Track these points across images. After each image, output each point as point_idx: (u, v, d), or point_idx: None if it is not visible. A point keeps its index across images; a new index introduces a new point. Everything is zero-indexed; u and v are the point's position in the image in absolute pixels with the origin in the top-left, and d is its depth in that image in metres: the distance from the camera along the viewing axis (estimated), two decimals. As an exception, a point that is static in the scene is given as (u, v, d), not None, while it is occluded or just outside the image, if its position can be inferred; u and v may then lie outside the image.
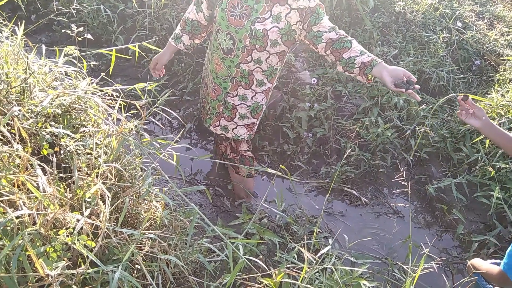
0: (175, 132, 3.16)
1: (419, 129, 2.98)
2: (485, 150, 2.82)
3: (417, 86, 1.85)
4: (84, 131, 1.59)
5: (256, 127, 2.49)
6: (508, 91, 3.17)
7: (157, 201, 1.64)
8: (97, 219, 1.27)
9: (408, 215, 2.84)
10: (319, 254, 1.67)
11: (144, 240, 1.44)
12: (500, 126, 2.85)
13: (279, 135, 3.19)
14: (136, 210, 1.53)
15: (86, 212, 1.20)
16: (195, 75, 3.39)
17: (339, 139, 3.10)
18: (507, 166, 2.70)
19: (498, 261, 1.88)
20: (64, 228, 1.19)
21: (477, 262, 1.88)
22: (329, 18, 3.53)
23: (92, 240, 1.22)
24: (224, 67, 2.20)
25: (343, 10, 3.64)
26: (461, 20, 3.93)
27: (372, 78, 1.92)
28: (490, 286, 1.78)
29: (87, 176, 1.45)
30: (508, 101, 3.02)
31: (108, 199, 1.28)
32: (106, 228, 1.29)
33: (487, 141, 2.80)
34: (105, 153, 1.65)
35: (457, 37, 3.72)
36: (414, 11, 3.83)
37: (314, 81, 3.23)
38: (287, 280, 1.65)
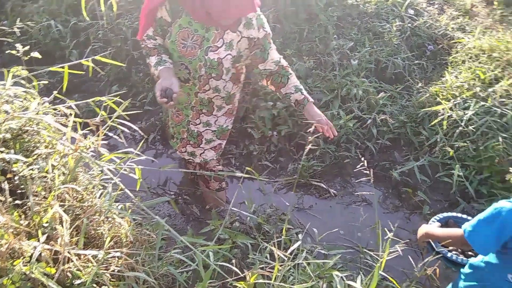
0: (139, 145, 3.12)
1: (379, 117, 3.06)
2: (443, 132, 2.92)
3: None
4: (37, 153, 1.55)
5: (223, 145, 2.45)
6: (461, 72, 3.28)
7: (121, 217, 1.61)
8: (57, 244, 1.24)
9: (375, 201, 2.91)
10: (289, 251, 1.69)
11: (109, 259, 1.42)
12: (455, 107, 2.96)
13: (244, 137, 3.20)
14: (99, 229, 1.51)
15: (43, 238, 1.17)
16: (154, 85, 3.35)
17: (304, 134, 3.13)
18: (465, 144, 2.80)
19: (438, 217, 1.89)
20: (22, 257, 1.16)
21: (428, 229, 1.80)
22: (284, 15, 3.58)
23: (53, 267, 1.19)
24: (184, 93, 2.15)
25: (297, 7, 3.68)
26: (413, 8, 4.05)
27: None
28: (447, 251, 1.77)
29: (44, 200, 1.41)
30: (461, 82, 3.13)
31: (66, 222, 1.26)
32: (68, 252, 1.27)
33: (444, 122, 2.89)
34: (63, 173, 1.61)
35: (409, 25, 3.82)
36: (367, 2, 3.92)
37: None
38: (261, 280, 1.67)
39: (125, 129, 2.92)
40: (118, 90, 3.29)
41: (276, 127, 3.19)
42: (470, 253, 1.82)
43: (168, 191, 2.78)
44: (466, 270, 1.65)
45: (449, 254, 1.77)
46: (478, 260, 1.60)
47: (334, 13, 3.69)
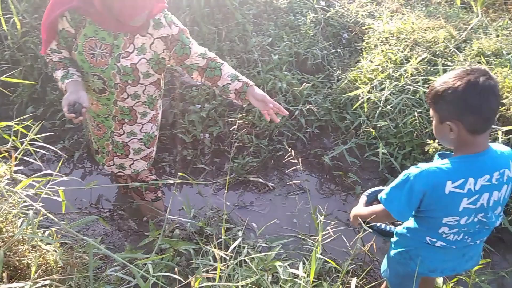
0: (65, 165, 2.97)
1: (305, 108, 3.15)
2: (365, 114, 3.08)
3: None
4: None
5: (154, 153, 2.37)
6: (374, 56, 3.47)
7: (48, 244, 1.53)
8: (-26, 283, 1.15)
9: (312, 188, 3.01)
10: (230, 249, 1.69)
11: (39, 288, 1.34)
12: (373, 89, 3.13)
13: (176, 143, 3.15)
14: (24, 259, 1.42)
15: (-44, 279, 1.08)
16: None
17: (236, 133, 3.16)
18: (386, 123, 2.97)
19: (367, 193, 1.91)
20: None
21: (355, 211, 1.82)
22: (201, 17, 3.58)
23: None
24: (102, 105, 2.06)
25: (212, 8, 3.69)
26: (324, -1, 4.22)
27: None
28: (385, 225, 1.83)
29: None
30: (376, 66, 3.32)
31: (-18, 258, 1.17)
32: (-10, 289, 1.18)
33: (365, 105, 3.05)
34: (-23, 207, 1.50)
35: (323, 16, 3.99)
36: (280, -3, 4.02)
37: (199, 82, 3.24)
38: (206, 284, 1.66)
39: (46, 152, 2.78)
40: (34, 112, 3.10)
41: (207, 129, 3.18)
42: (398, 222, 1.93)
43: (102, 209, 2.67)
44: (394, 238, 1.76)
45: (378, 224, 1.85)
46: (401, 227, 1.71)
47: (250, 11, 3.75)
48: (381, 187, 2.06)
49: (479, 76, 1.36)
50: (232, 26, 3.68)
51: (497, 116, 2.78)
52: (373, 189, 2.03)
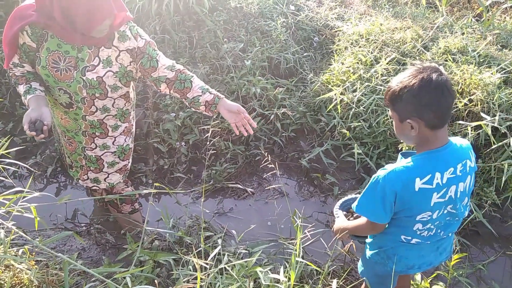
0: (38, 180, 2.89)
1: (280, 112, 3.17)
2: (339, 115, 3.12)
3: None
4: None
5: (129, 165, 2.33)
6: (345, 58, 3.53)
7: (20, 263, 1.48)
8: None
9: (291, 192, 3.02)
10: (210, 257, 1.68)
11: (13, 310, 1.30)
12: (345, 91, 3.18)
13: (152, 152, 3.12)
14: (-4, 280, 1.37)
15: None
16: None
17: (211, 139, 3.14)
18: (360, 124, 3.02)
19: (338, 206, 1.89)
20: None
21: (341, 225, 1.77)
22: (171, 25, 3.56)
23: None
24: (71, 120, 2.02)
25: (183, 15, 3.68)
26: (293, 3, 4.26)
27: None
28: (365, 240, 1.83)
29: None
30: (347, 67, 3.37)
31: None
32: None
33: (338, 106, 3.09)
34: None
35: (293, 20, 4.02)
36: (250, 3, 4.04)
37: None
38: (187, 293, 1.64)
39: (16, 169, 2.71)
40: (3, 127, 3.02)
41: (183, 137, 3.16)
42: None
43: (78, 223, 2.62)
44: (368, 240, 1.78)
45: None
46: None
47: (220, 17, 3.75)
48: (349, 197, 2.00)
49: (431, 73, 1.41)
50: (204, 33, 3.68)
51: (466, 112, 2.87)
52: (341, 201, 1.98)
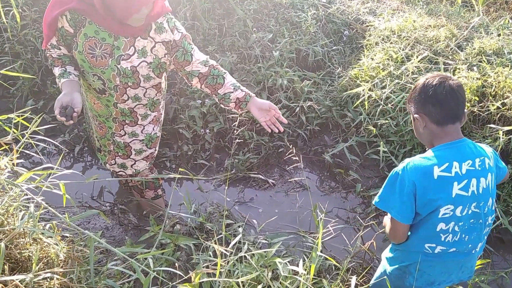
0: (65, 158, 2.96)
1: (306, 105, 3.15)
2: (366, 112, 3.07)
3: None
4: None
5: (155, 153, 2.36)
6: (375, 54, 3.47)
7: (49, 237, 1.52)
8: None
9: (313, 186, 3.01)
10: (231, 245, 1.69)
11: (40, 281, 1.34)
12: (374, 87, 3.13)
13: (177, 138, 3.15)
14: (25, 252, 1.41)
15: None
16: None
17: (237, 129, 3.15)
18: (387, 121, 2.97)
19: None
20: None
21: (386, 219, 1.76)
22: (202, 12, 3.56)
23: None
24: (103, 106, 2.05)
25: (213, 3, 3.68)
26: (325, -4, 4.20)
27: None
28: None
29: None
30: (377, 63, 3.31)
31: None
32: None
33: (366, 102, 3.05)
34: (-21, 200, 1.49)
35: (324, 12, 3.97)
36: (281, -7, 4.00)
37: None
38: (206, 279, 1.66)
39: (46, 145, 2.78)
40: (34, 105, 3.09)
41: (208, 125, 3.17)
42: None
43: (103, 202, 2.67)
44: (388, 254, 1.75)
45: None
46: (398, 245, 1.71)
47: (251, 6, 3.73)
48: None
49: (436, 77, 1.55)
50: (233, 22, 3.67)
51: (498, 116, 2.79)
52: None
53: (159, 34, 1.88)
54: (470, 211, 1.52)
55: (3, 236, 1.43)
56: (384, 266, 1.79)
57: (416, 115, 1.57)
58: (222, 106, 2.10)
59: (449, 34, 3.46)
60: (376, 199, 1.60)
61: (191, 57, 1.96)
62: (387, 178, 1.57)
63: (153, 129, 2.22)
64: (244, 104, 2.01)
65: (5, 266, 1.31)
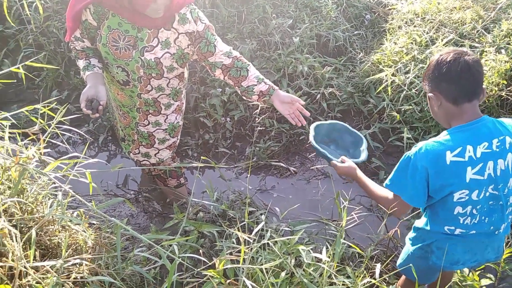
0: (90, 148, 3.01)
1: (327, 91, 3.11)
2: (389, 97, 3.02)
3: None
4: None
5: (178, 141, 2.38)
6: (398, 38, 3.39)
7: (76, 224, 1.56)
8: (9, 260, 1.18)
9: (334, 173, 2.98)
10: (254, 232, 1.70)
11: (70, 267, 1.37)
12: (397, 72, 3.06)
13: (198, 126, 3.16)
14: (54, 239, 1.45)
15: (-8, 257, 1.11)
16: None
17: (257, 117, 3.14)
18: (411, 107, 2.91)
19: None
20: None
21: (352, 173, 1.79)
22: (221, 0, 3.54)
23: (9, 283, 1.13)
24: (126, 96, 2.07)
25: (233, -10, 3.64)
26: (346, -20, 4.11)
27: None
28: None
29: (-10, 218, 1.33)
30: (400, 47, 3.24)
31: (16, 236, 1.19)
32: (24, 266, 1.21)
33: (389, 88, 2.99)
34: (8, 187, 1.53)
35: (344, -4, 3.89)
36: (301, -22, 3.93)
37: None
38: (230, 266, 1.67)
39: (71, 135, 2.83)
40: (59, 95, 3.15)
41: (229, 113, 3.17)
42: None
43: (128, 190, 2.72)
44: (411, 234, 1.73)
45: (323, 151, 1.87)
46: (420, 222, 1.69)
47: (271, -8, 3.68)
48: (321, 123, 2.02)
49: (450, 53, 1.47)
50: (252, 8, 3.63)
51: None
52: (313, 128, 1.96)
53: (182, 25, 1.87)
54: (487, 194, 1.49)
55: (33, 223, 1.47)
56: (407, 247, 1.78)
57: (430, 94, 1.51)
58: (244, 98, 2.09)
59: (476, 16, 3.35)
60: (387, 181, 1.59)
61: (214, 48, 1.95)
62: (399, 161, 1.54)
63: (176, 118, 2.23)
64: (268, 97, 2.00)
65: (36, 252, 1.34)
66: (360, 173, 1.76)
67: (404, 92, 2.93)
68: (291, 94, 3.07)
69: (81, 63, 1.93)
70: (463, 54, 1.46)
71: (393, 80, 3.00)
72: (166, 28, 1.86)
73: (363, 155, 1.90)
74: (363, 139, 1.97)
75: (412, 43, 3.23)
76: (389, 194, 1.61)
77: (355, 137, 2.00)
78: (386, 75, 3.04)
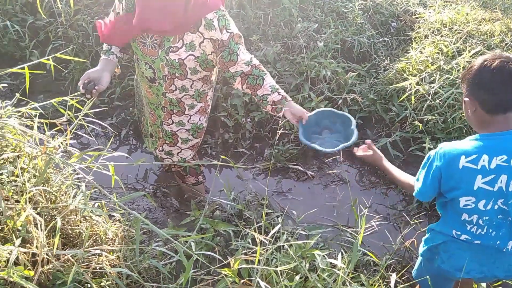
0: (112, 141, 3.06)
1: (349, 97, 3.09)
2: (412, 106, 2.99)
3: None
4: (4, 158, 1.50)
5: (200, 142, 2.40)
6: (424, 47, 3.35)
7: (98, 215, 1.59)
8: (33, 247, 1.21)
9: (352, 180, 2.96)
10: (270, 234, 1.70)
11: (90, 257, 1.40)
12: (422, 81, 3.03)
13: (218, 125, 3.18)
14: (76, 229, 1.48)
15: (18, 242, 1.14)
16: (121, 79, 3.28)
17: (278, 119, 3.14)
18: (434, 117, 2.87)
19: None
20: (-2, 263, 1.13)
21: (379, 162, 1.93)
22: (248, 1, 3.55)
23: (32, 269, 1.17)
24: (153, 94, 2.11)
25: (260, -8, 3.66)
26: (373, -14, 4.09)
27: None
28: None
29: (16, 204, 1.38)
30: (426, 57, 3.20)
31: (41, 224, 1.23)
32: (46, 254, 1.24)
33: (412, 97, 2.96)
34: (34, 176, 1.57)
35: (371, 3, 3.87)
36: (329, -17, 3.93)
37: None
38: (245, 266, 1.68)
39: (95, 127, 2.88)
40: (84, 88, 3.20)
41: (249, 114, 3.19)
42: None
43: (147, 185, 2.76)
44: (425, 236, 1.73)
45: (313, 145, 1.96)
46: (434, 224, 1.70)
47: (297, -4, 3.69)
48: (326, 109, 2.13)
49: (498, 59, 1.41)
50: (278, 11, 3.64)
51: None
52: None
53: (208, 31, 1.86)
54: (496, 207, 1.47)
55: (56, 212, 1.51)
56: (420, 250, 1.78)
57: (466, 98, 1.49)
58: (261, 107, 2.10)
59: (505, 28, 3.30)
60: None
61: (237, 57, 1.92)
62: (424, 159, 1.60)
63: (199, 119, 2.24)
64: (280, 108, 1.98)
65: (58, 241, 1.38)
66: (385, 161, 1.87)
67: (428, 102, 2.90)
68: (312, 97, 3.09)
69: (104, 46, 2.01)
70: (509, 62, 1.41)
71: (417, 89, 2.97)
72: (192, 31, 1.87)
73: (355, 134, 2.00)
74: (350, 118, 2.04)
75: (438, 53, 3.19)
76: (412, 181, 1.68)
77: (343, 118, 2.06)
78: (410, 84, 3.01)
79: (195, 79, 2.03)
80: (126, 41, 1.97)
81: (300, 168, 3.02)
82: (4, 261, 1.11)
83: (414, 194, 1.64)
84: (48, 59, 1.88)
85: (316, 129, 2.06)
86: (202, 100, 2.18)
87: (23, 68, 1.78)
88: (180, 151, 2.31)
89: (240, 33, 1.93)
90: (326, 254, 1.91)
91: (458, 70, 2.97)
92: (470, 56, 3.03)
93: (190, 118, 2.20)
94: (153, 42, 1.89)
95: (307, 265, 1.81)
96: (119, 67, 2.13)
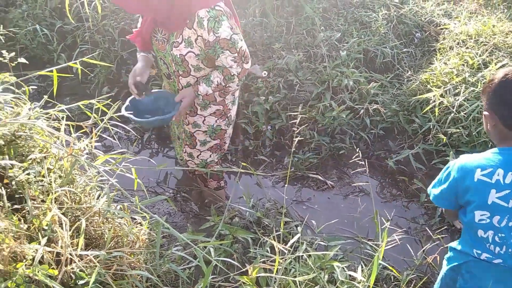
0: (135, 144, 3.11)
1: (371, 107, 3.07)
2: (436, 119, 2.94)
3: None
4: (32, 158, 1.54)
5: (224, 145, 2.37)
6: (449, 58, 3.30)
7: (120, 218, 1.61)
8: (58, 246, 1.23)
9: (373, 191, 2.93)
10: (289, 244, 1.69)
11: (111, 259, 1.41)
12: (446, 93, 2.98)
13: (239, 132, 3.19)
14: (99, 230, 1.50)
15: (43, 241, 1.16)
16: (147, 83, 3.32)
17: (297, 127, 3.13)
18: (458, 130, 2.82)
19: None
20: (24, 260, 1.15)
21: None
22: (271, 9, 3.58)
23: (56, 268, 1.18)
24: (172, 91, 2.15)
25: (283, 0, 3.68)
26: (398, -4, 4.06)
27: None
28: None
29: (42, 204, 1.40)
30: (450, 68, 3.15)
31: (66, 224, 1.25)
32: (70, 253, 1.26)
33: (436, 109, 2.91)
34: (59, 176, 1.60)
35: (395, 13, 3.84)
36: (352, -7, 3.92)
37: (265, 73, 3.24)
38: (263, 274, 1.67)
39: (119, 130, 2.92)
40: (109, 92, 3.26)
41: (270, 121, 3.19)
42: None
43: (167, 189, 2.78)
44: (448, 254, 1.69)
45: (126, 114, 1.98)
46: (455, 242, 1.66)
47: (320, 5, 3.69)
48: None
49: None
50: (301, 20, 3.65)
51: None
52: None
53: (200, 29, 1.85)
54: (510, 224, 1.43)
55: (80, 213, 1.53)
56: (443, 268, 1.74)
57: (486, 113, 1.46)
58: None
59: (534, 41, 3.22)
60: (429, 188, 1.67)
61: (218, 59, 1.92)
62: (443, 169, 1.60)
63: (216, 122, 2.21)
64: None
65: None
66: None
67: (452, 115, 2.85)
68: (334, 107, 3.07)
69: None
70: None
71: (441, 101, 2.92)
72: (188, 27, 1.87)
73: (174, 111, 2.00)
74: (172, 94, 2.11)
75: (463, 64, 3.14)
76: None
77: (170, 96, 2.08)
78: (434, 96, 2.97)
79: (199, 77, 2.03)
80: (147, 39, 2.02)
81: (320, 177, 3.00)
82: (30, 259, 1.13)
83: (430, 198, 1.65)
84: (75, 63, 1.93)
85: (150, 109, 2.09)
86: (218, 103, 2.13)
87: (51, 71, 1.83)
88: (200, 154, 2.33)
89: (229, 38, 1.85)
90: (345, 266, 1.89)
91: (483, 83, 2.91)
92: (497, 69, 2.97)
93: (204, 120, 2.18)
94: (163, 37, 1.94)
95: (326, 276, 1.79)
96: (155, 68, 2.18)
